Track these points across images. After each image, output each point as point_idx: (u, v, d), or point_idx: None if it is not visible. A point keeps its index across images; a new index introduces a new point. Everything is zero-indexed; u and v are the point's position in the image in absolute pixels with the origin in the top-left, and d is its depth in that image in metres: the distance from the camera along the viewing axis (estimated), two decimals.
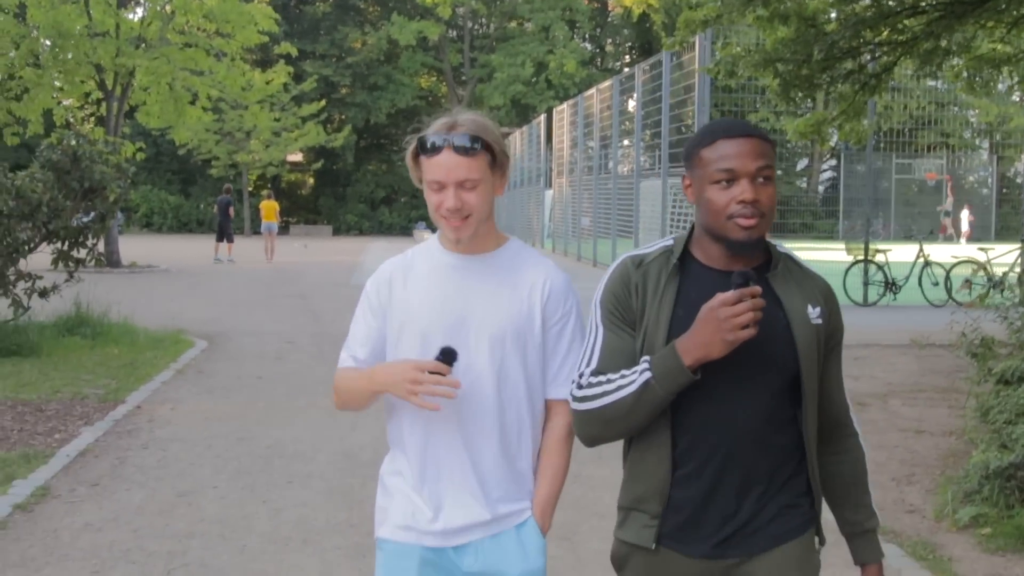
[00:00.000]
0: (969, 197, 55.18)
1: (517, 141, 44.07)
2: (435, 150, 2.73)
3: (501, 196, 2.94)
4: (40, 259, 13.04)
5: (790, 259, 2.71)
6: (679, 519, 2.60)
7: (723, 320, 2.39)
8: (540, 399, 2.90)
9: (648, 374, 2.49)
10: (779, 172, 44.54)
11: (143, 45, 26.10)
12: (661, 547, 2.62)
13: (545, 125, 38.90)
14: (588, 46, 62.11)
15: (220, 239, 30.99)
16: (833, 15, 12.63)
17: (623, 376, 2.55)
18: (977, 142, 56.84)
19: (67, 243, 13.46)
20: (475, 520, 2.81)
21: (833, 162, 60.23)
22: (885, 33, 12.45)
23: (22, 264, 12.83)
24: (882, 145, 53.69)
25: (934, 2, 11.82)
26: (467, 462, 2.81)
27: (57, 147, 13.46)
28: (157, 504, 6.49)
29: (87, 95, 29.25)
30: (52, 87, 27.43)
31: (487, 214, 2.82)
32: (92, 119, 38.93)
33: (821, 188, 62.18)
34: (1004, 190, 58.27)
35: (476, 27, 63.11)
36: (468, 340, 2.78)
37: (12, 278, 12.67)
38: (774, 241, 2.72)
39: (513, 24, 59.83)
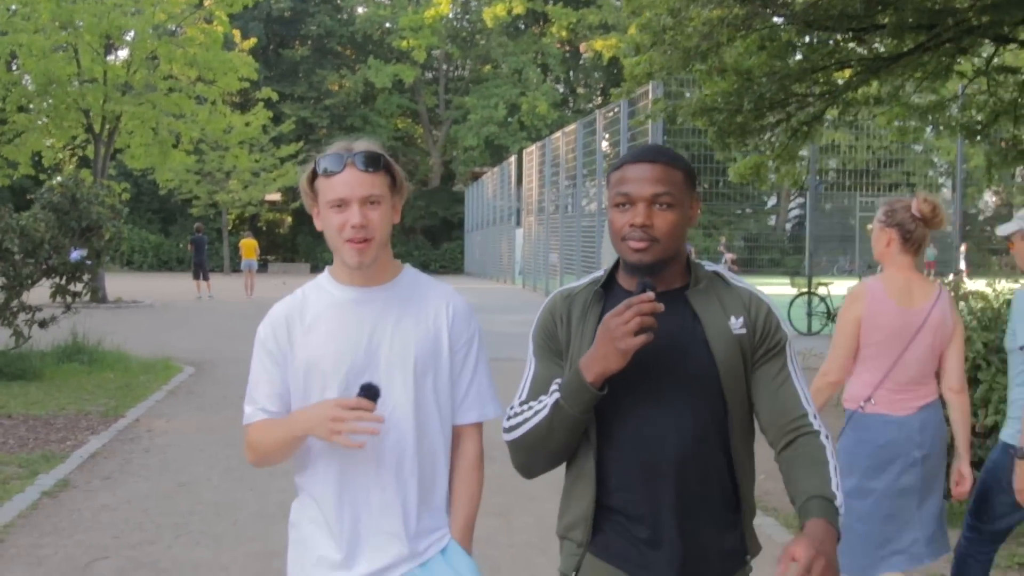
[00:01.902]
0: (933, 234, 56.51)
1: (489, 181, 45.40)
2: (335, 170, 2.71)
3: (398, 223, 2.90)
4: (38, 292, 14.22)
5: (718, 277, 2.71)
6: (618, 539, 2.62)
7: (614, 329, 2.42)
8: (450, 426, 2.88)
9: (557, 394, 2.55)
10: (747, 210, 45.45)
11: (129, 91, 27.29)
12: (597, 560, 2.64)
13: (516, 166, 40.17)
14: (560, 88, 63.55)
15: (197, 276, 31.87)
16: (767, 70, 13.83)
17: (540, 402, 2.60)
18: (940, 181, 58.46)
19: (65, 278, 14.67)
20: (397, 557, 2.78)
21: (801, 200, 61.56)
22: (811, 87, 13.63)
23: (24, 296, 14.03)
24: (848, 184, 55.39)
25: (855, 58, 13.07)
26: (386, 500, 2.76)
27: (56, 190, 14.71)
28: (161, 491, 7.69)
29: (73, 138, 30.43)
30: (43, 131, 28.57)
31: (387, 238, 2.80)
32: (75, 160, 40.16)
33: (788, 226, 63.71)
34: (967, 227, 59.75)
35: (451, 70, 64.56)
36: (379, 375, 2.74)
37: (15, 309, 13.84)
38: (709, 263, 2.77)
39: (487, 67, 61.24)
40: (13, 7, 26.00)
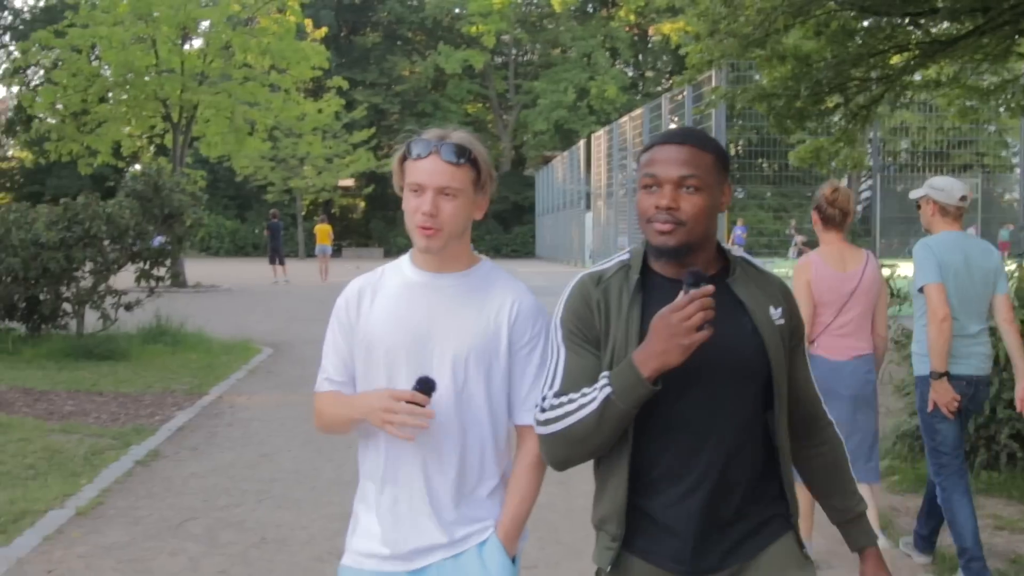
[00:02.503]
0: (1004, 215, 55.85)
1: (559, 166, 45.76)
2: (421, 155, 2.73)
3: (480, 219, 2.90)
4: (123, 277, 14.94)
5: (747, 263, 2.69)
6: (654, 535, 2.59)
7: (676, 325, 2.35)
8: (503, 423, 2.86)
9: (608, 389, 2.44)
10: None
11: (205, 81, 28.07)
12: (636, 559, 2.61)
13: (585, 150, 40.49)
14: (629, 72, 63.66)
15: (272, 261, 32.76)
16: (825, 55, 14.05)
17: (584, 395, 2.50)
18: (1014, 161, 57.65)
19: (148, 263, 15.37)
20: (432, 543, 2.79)
21: (871, 182, 61.08)
22: (869, 71, 13.81)
23: (110, 281, 14.74)
24: (920, 166, 54.87)
25: (912, 42, 13.25)
26: (424, 485, 2.79)
27: (140, 178, 15.39)
28: (245, 461, 8.24)
29: (152, 127, 31.39)
30: (122, 120, 29.52)
31: (462, 231, 2.79)
32: (152, 148, 41.25)
33: (859, 208, 63.34)
34: None
35: (520, 55, 64.94)
36: (430, 360, 2.76)
37: (102, 293, 14.55)
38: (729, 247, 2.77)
39: (556, 51, 61.55)
40: (95, 1, 26.88)
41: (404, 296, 2.83)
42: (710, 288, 2.38)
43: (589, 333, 2.59)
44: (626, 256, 2.69)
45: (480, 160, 2.77)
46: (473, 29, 56.96)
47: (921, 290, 5.47)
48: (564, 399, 2.54)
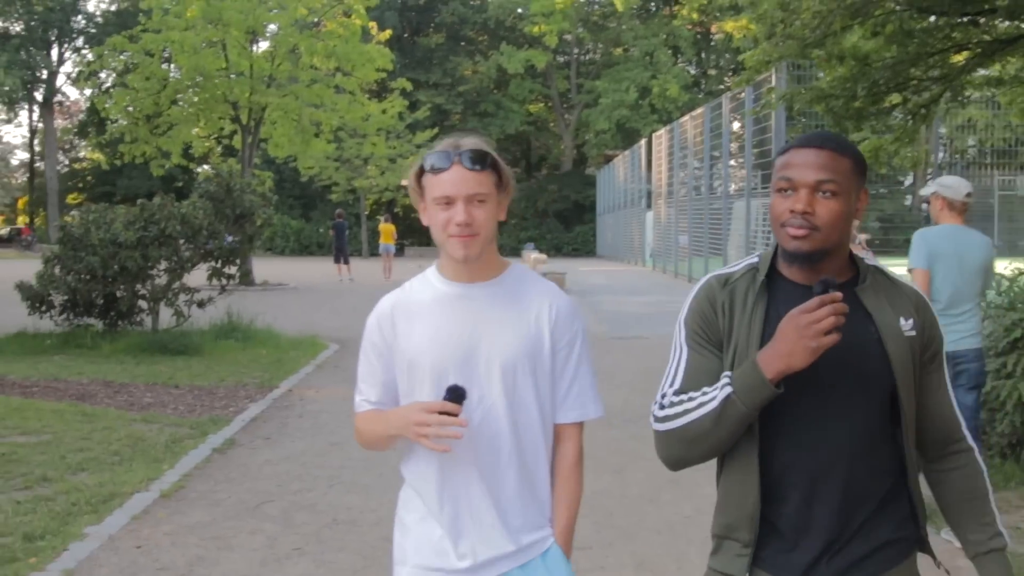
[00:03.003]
0: None
1: (620, 165, 45.97)
2: (442, 167, 2.72)
3: (504, 221, 2.91)
4: (194, 275, 15.47)
5: (880, 272, 2.64)
6: (778, 545, 2.54)
7: (804, 327, 2.33)
8: (552, 424, 2.88)
9: (729, 389, 2.41)
10: (882, 190, 44.61)
11: (273, 83, 28.69)
12: (761, 571, 2.55)
13: (646, 149, 40.66)
14: (691, 70, 63.66)
15: (337, 260, 33.39)
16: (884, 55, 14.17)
17: (704, 393, 2.47)
18: None
19: (221, 261, 15.88)
20: (501, 552, 2.79)
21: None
22: (927, 71, 13.91)
23: (184, 279, 15.28)
24: (988, 162, 54.34)
25: (972, 41, 13.35)
26: (486, 494, 2.78)
27: (213, 179, 15.91)
28: (316, 450, 8.65)
29: (221, 128, 32.11)
30: (193, 123, 30.25)
31: (492, 235, 2.81)
32: (220, 149, 42.11)
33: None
34: None
35: (582, 54, 65.19)
36: (479, 371, 2.76)
37: (176, 291, 15.10)
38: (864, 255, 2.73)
39: (618, 51, 61.72)
40: (167, 7, 27.57)
41: (442, 310, 2.81)
42: (839, 295, 2.35)
43: (712, 335, 2.57)
44: (755, 259, 2.65)
45: (498, 163, 2.78)
46: (535, 29, 57.26)
47: (910, 272, 6.35)
48: (684, 397, 2.51)
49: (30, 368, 12.61)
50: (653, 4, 62.90)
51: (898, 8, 12.69)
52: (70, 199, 66.25)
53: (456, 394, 2.64)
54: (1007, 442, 7.68)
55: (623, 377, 12.25)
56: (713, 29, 60.43)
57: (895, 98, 14.27)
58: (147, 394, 11.09)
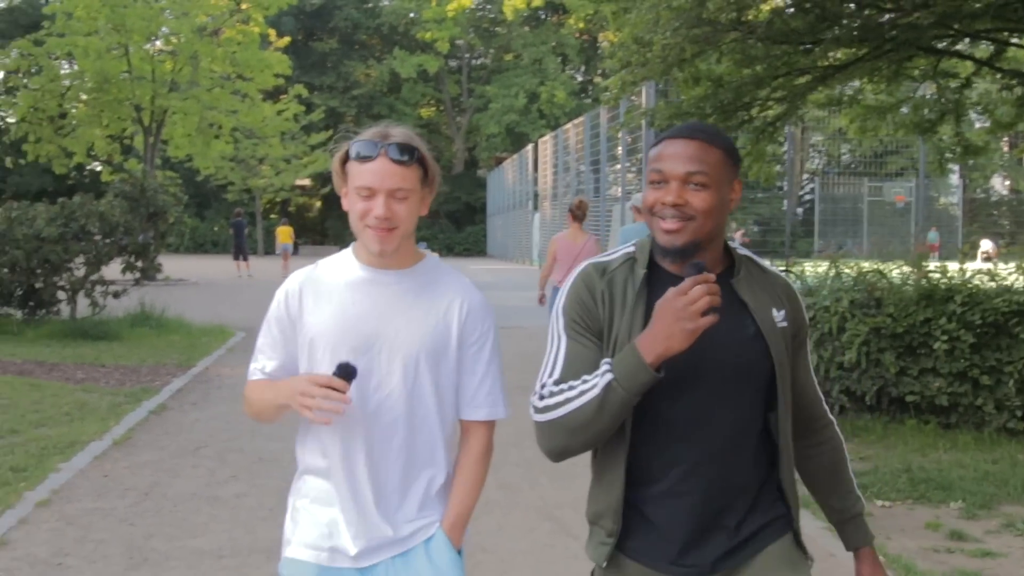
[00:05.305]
0: (939, 218, 58.25)
1: (509, 168, 47.77)
2: (367, 157, 2.65)
3: (425, 215, 2.84)
4: (109, 268, 16.83)
5: (752, 262, 2.64)
6: (648, 535, 2.54)
7: (680, 309, 2.30)
8: (451, 419, 2.84)
9: (610, 375, 2.37)
10: (760, 195, 46.50)
11: (175, 88, 29.90)
12: (629, 560, 2.55)
13: (533, 154, 42.43)
14: (578, 77, 65.71)
15: (236, 257, 34.70)
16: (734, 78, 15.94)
17: (584, 381, 2.43)
18: (950, 167, 59.85)
19: (134, 256, 17.23)
20: (380, 540, 2.77)
21: (812, 186, 63.34)
22: (771, 92, 15.75)
23: (101, 271, 16.60)
24: (859, 169, 57.20)
25: (809, 66, 15.24)
26: (369, 481, 2.75)
27: (127, 180, 17.27)
28: (237, 412, 10.16)
29: (123, 129, 33.16)
30: (98, 124, 31.28)
31: (411, 229, 2.74)
32: (120, 149, 42.92)
33: (800, 210, 65.69)
34: (972, 212, 61.42)
35: (473, 59, 66.86)
36: (380, 359, 2.73)
37: (94, 282, 16.42)
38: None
39: (508, 57, 63.51)
40: (70, 12, 28.62)
41: (351, 293, 2.78)
42: (712, 276, 2.35)
43: (592, 323, 2.54)
44: (631, 248, 2.63)
45: (425, 158, 2.73)
46: (428, 35, 58.81)
47: None
48: (564, 386, 2.46)
49: None
50: (542, 13, 64.84)
51: (741, 37, 14.52)
52: None
53: (345, 371, 2.63)
54: None
55: (504, 360, 13.90)
56: (600, 37, 62.49)
57: (742, 116, 16.09)
58: (78, 371, 12.50)
